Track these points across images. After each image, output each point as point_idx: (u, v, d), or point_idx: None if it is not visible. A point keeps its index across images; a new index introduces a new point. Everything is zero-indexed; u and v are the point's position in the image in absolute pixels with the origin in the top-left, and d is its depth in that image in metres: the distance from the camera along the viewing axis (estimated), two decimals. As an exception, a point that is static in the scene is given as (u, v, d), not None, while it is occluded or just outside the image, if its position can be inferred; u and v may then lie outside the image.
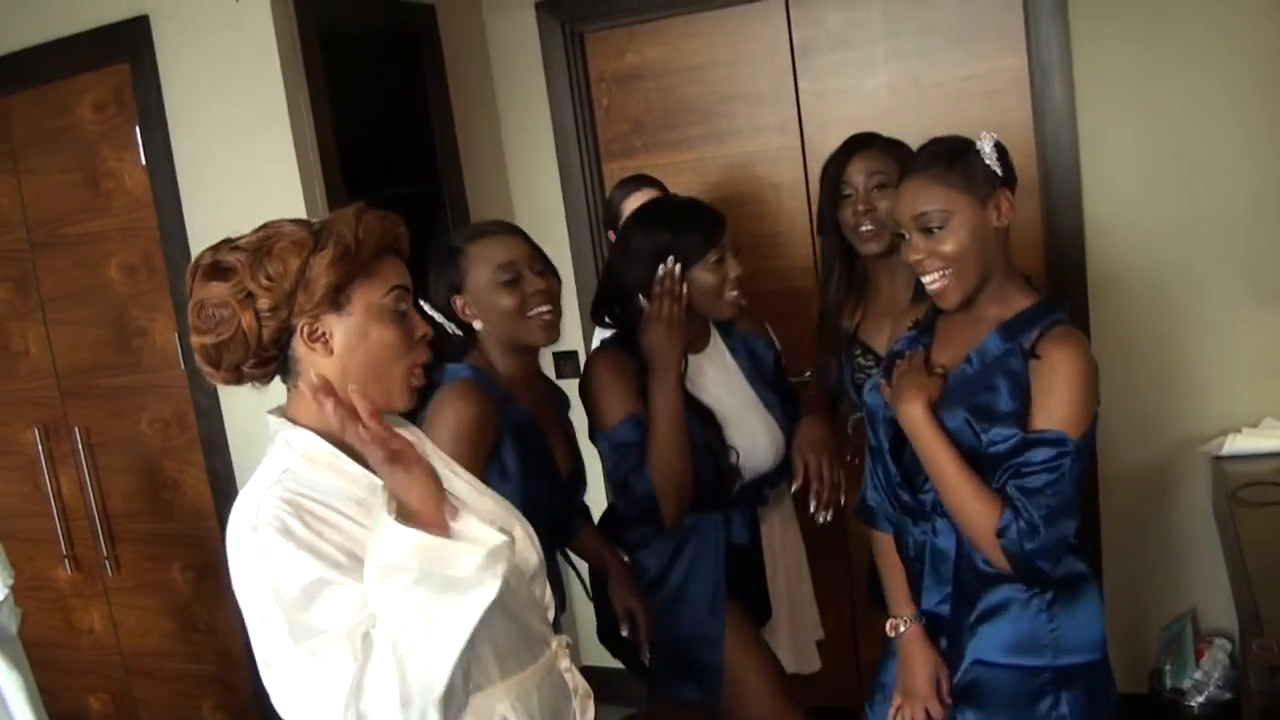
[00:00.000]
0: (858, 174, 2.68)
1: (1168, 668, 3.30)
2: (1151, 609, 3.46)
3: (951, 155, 2.09)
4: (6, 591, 2.90)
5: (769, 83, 3.64)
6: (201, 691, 3.67)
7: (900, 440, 2.18)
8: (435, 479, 1.53)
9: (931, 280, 2.09)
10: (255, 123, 3.11)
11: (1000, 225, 2.07)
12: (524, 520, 1.82)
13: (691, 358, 2.63)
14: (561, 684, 1.82)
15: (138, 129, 3.27)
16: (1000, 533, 1.99)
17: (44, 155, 3.47)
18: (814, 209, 3.61)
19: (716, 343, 2.73)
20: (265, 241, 1.59)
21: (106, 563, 3.70)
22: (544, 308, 2.38)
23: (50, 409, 3.68)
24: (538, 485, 2.35)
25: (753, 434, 2.65)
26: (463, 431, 2.22)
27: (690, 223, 2.58)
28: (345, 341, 1.62)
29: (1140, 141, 3.23)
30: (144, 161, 3.29)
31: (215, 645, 3.60)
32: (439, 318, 2.38)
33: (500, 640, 1.68)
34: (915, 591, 2.25)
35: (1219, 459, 3.11)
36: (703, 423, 2.58)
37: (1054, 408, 1.99)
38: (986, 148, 2.07)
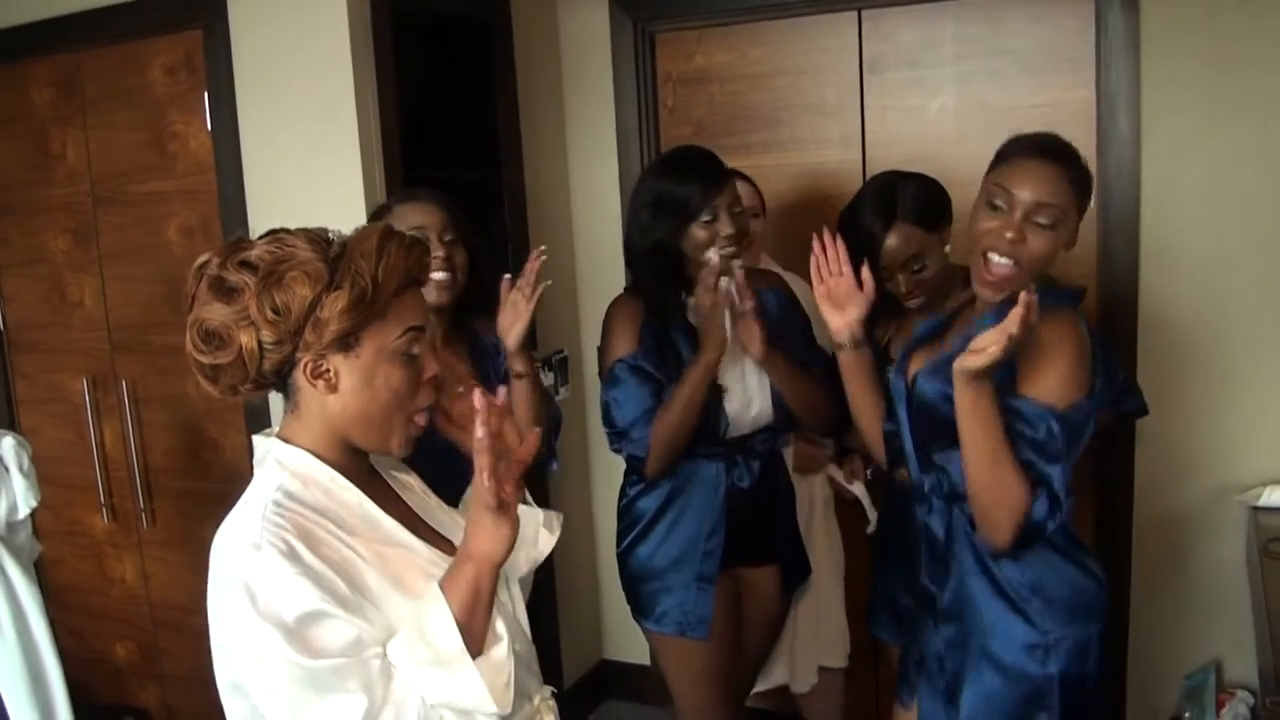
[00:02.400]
0: (894, 256, 2.64)
1: (1187, 715, 3.26)
2: (1176, 655, 3.42)
3: (1082, 164, 2.08)
4: (30, 510, 2.95)
5: (834, 95, 3.63)
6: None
7: (919, 427, 2.18)
8: (514, 542, 1.54)
9: (1001, 264, 2.04)
10: (321, 99, 3.13)
11: (1066, 249, 2.06)
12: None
13: (693, 302, 2.71)
14: None
15: (206, 95, 3.31)
16: (1031, 501, 1.96)
17: (113, 112, 3.51)
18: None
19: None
20: (277, 266, 1.50)
21: (143, 515, 3.76)
22: (438, 273, 2.48)
23: (100, 360, 3.74)
24: None
25: (746, 384, 2.69)
26: None
27: (692, 176, 2.64)
28: (350, 383, 1.56)
29: (1202, 183, 3.19)
30: (209, 127, 3.33)
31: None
32: None
33: None
34: (915, 566, 2.28)
35: (1257, 509, 3.08)
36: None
37: (1038, 380, 1.98)
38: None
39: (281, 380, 1.58)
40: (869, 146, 3.61)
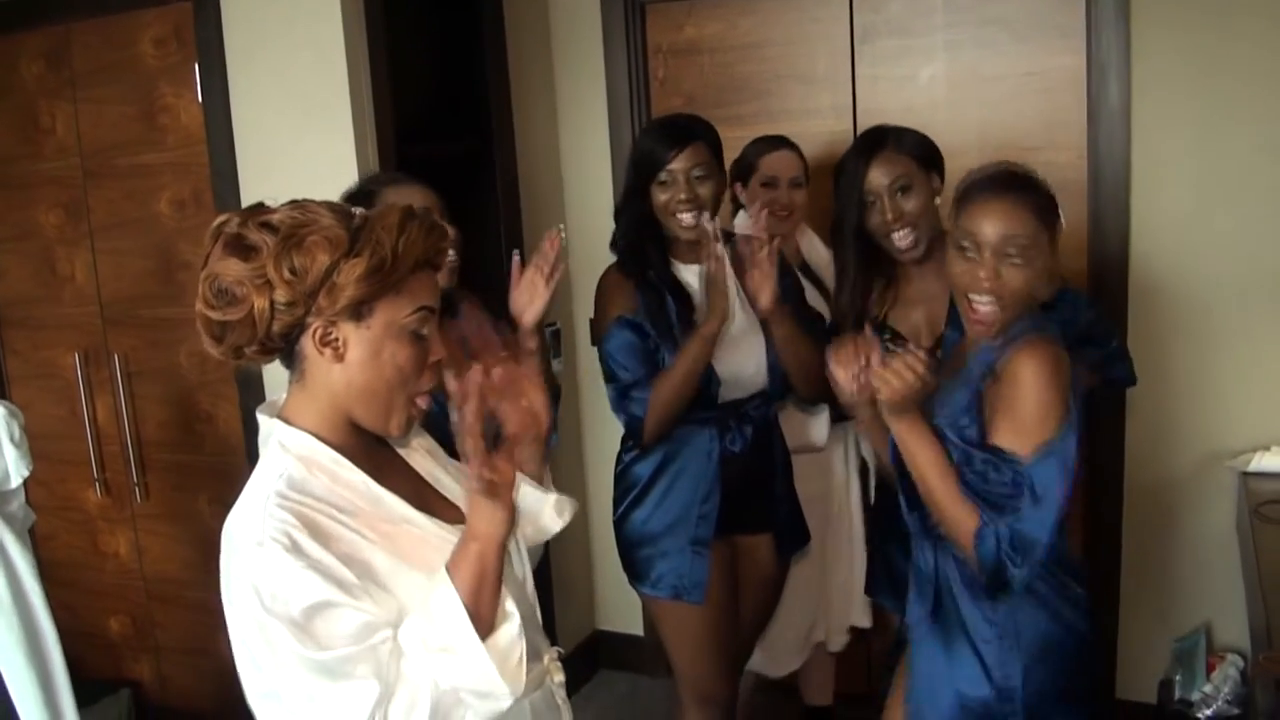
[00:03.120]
0: (880, 179, 2.60)
1: (1178, 678, 3.29)
2: (1166, 620, 3.45)
3: (1042, 190, 2.11)
4: (23, 478, 2.95)
5: (825, 66, 3.63)
6: (219, 621, 3.63)
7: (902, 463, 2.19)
8: (513, 521, 1.54)
9: (983, 303, 2.08)
10: (313, 70, 3.13)
11: (1054, 267, 2.09)
12: None
13: (687, 266, 2.75)
14: (551, 699, 1.80)
15: (197, 67, 3.30)
16: (976, 535, 2.01)
17: (102, 85, 3.50)
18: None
19: None
20: (298, 230, 1.50)
21: (136, 489, 3.76)
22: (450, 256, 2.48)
23: (92, 335, 3.74)
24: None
25: (737, 349, 2.71)
26: None
27: (657, 137, 2.70)
28: (357, 354, 1.55)
29: (1192, 153, 3.21)
30: (200, 99, 3.32)
31: (236, 579, 3.65)
32: None
33: None
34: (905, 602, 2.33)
35: (1246, 475, 3.11)
36: (682, 317, 2.70)
37: (1005, 425, 2.02)
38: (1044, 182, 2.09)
39: (288, 346, 1.57)
40: (860, 116, 3.61)
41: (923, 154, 2.64)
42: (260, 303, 1.49)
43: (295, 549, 1.46)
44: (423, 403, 1.64)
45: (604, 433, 2.71)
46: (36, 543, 3.16)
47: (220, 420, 3.58)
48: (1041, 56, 3.35)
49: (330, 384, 1.57)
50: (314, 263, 1.48)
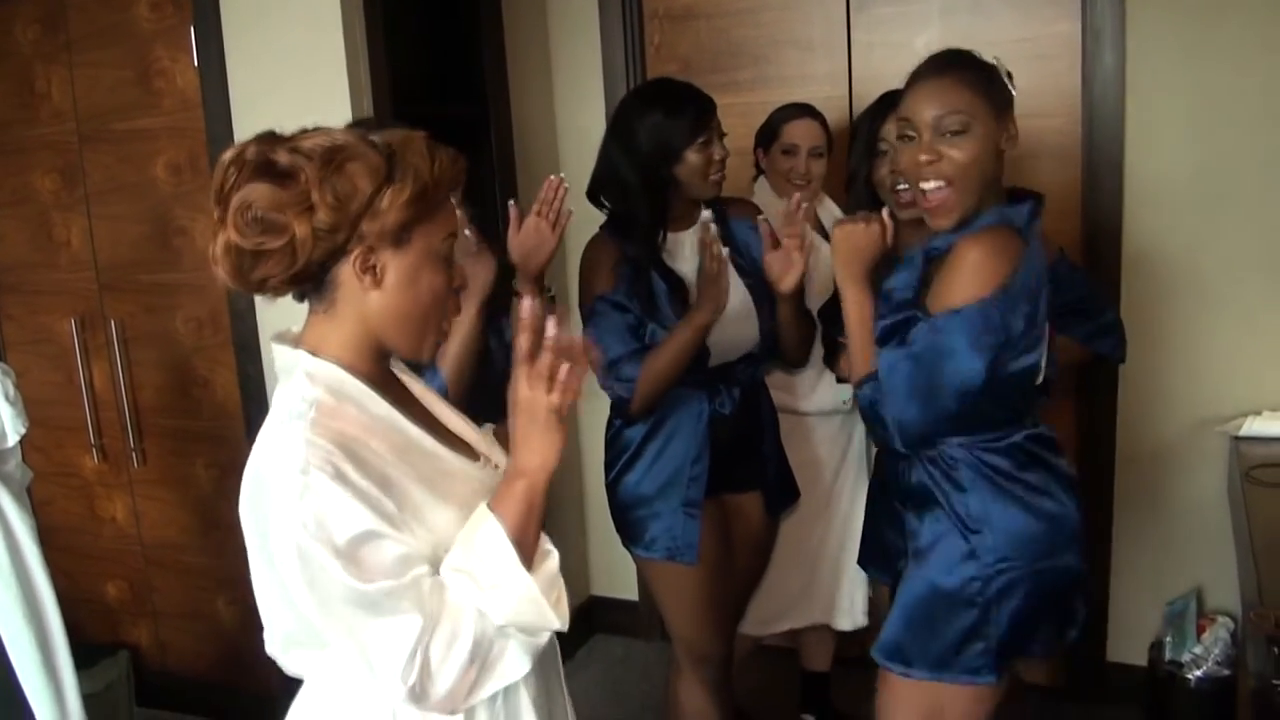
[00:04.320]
0: (895, 131, 2.66)
1: (1168, 640, 3.32)
2: (1157, 584, 3.48)
3: (976, 64, 2.09)
4: (19, 437, 2.95)
5: (821, 31, 3.64)
6: (216, 586, 3.74)
7: None
8: (563, 447, 1.54)
9: (932, 188, 2.07)
10: (308, 33, 3.13)
11: (1007, 149, 2.08)
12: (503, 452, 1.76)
13: (673, 235, 2.76)
14: (553, 650, 1.79)
15: (192, 30, 3.29)
16: (860, 382, 2.14)
17: (98, 49, 3.49)
18: (856, 162, 3.63)
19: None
20: (334, 154, 1.46)
21: (133, 455, 3.77)
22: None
23: (88, 301, 3.74)
24: None
25: (731, 325, 2.71)
26: None
27: (683, 106, 2.68)
28: (396, 279, 1.54)
29: (1187, 118, 3.22)
30: (196, 63, 3.32)
31: (234, 542, 3.61)
32: None
33: None
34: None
35: (1237, 439, 3.13)
36: (671, 290, 2.71)
37: (932, 292, 2.07)
38: (1003, 66, 2.07)
39: (320, 275, 1.54)
40: (855, 83, 3.62)
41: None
42: (302, 229, 1.46)
43: (340, 477, 1.44)
44: (447, 328, 1.66)
45: (596, 398, 2.72)
46: (35, 510, 3.17)
47: (217, 385, 3.58)
48: (1036, 23, 3.36)
49: (365, 311, 1.55)
50: (356, 188, 1.46)
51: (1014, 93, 2.10)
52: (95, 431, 3.83)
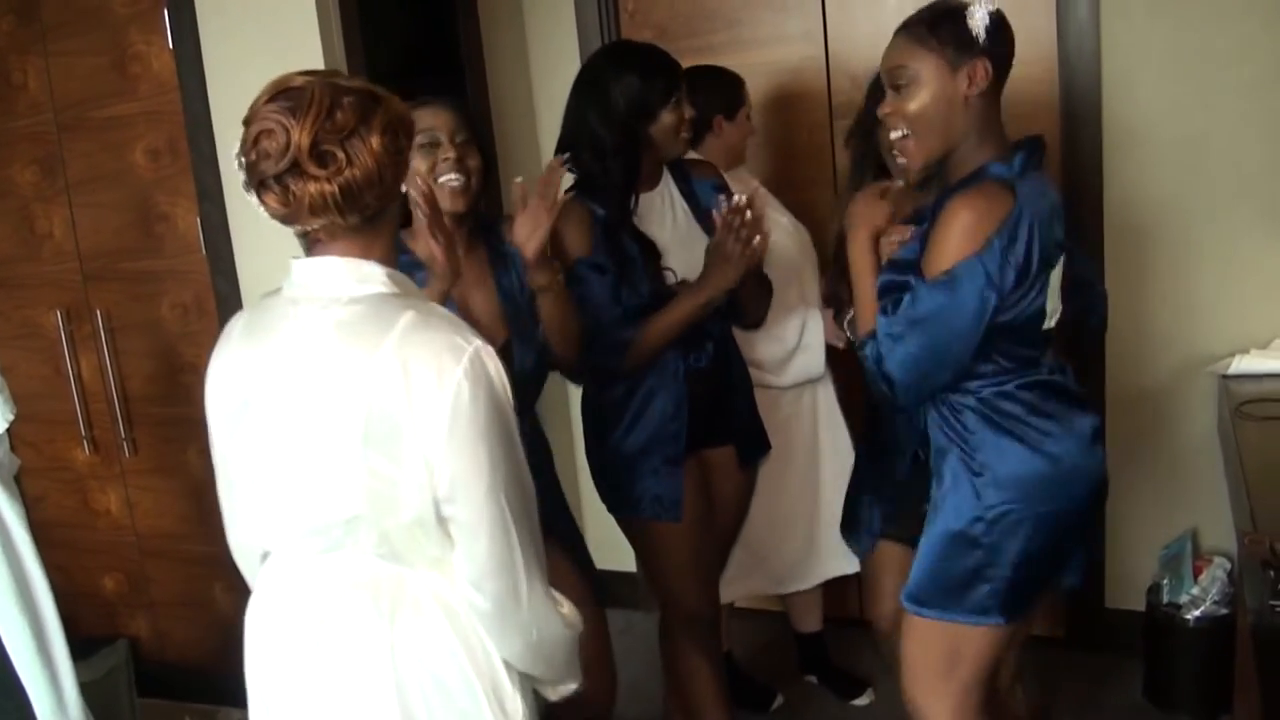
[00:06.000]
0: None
1: (1165, 583, 3.33)
2: (1153, 529, 3.49)
3: (935, 18, 2.14)
4: (7, 424, 2.94)
5: (794, -9, 3.63)
6: (213, 573, 3.73)
7: None
8: None
9: (897, 136, 2.19)
10: (283, 11, 3.13)
11: (970, 94, 2.11)
12: None
13: (643, 196, 2.78)
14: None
15: (166, 13, 3.28)
16: (862, 344, 2.21)
17: (72, 37, 3.48)
18: (835, 121, 3.63)
19: (667, 181, 2.86)
20: (366, 101, 1.61)
21: (124, 445, 3.76)
22: (451, 175, 2.49)
23: (72, 292, 3.73)
24: None
25: (695, 269, 2.72)
26: None
27: (657, 67, 2.72)
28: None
29: (1163, 61, 3.23)
30: (171, 46, 3.31)
31: (227, 528, 3.65)
32: None
33: None
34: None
35: (1226, 378, 3.13)
36: (644, 252, 2.73)
37: (925, 258, 2.12)
38: (977, 13, 2.09)
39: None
40: (831, 42, 3.62)
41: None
42: (377, 146, 1.58)
43: (490, 352, 1.63)
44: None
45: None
46: (27, 505, 3.15)
47: (205, 370, 3.56)
48: (1010, -28, 3.35)
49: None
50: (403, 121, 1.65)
51: (980, 37, 2.11)
52: (85, 423, 3.82)
